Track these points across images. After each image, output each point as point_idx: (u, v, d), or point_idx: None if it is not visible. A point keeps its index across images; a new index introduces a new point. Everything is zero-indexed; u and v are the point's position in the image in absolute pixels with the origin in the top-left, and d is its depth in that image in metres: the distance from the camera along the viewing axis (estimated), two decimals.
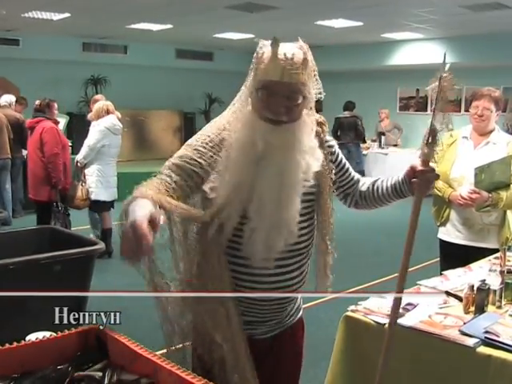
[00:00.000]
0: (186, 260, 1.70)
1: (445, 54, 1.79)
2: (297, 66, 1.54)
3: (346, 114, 10.22)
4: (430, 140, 1.73)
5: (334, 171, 1.79)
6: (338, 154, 1.85)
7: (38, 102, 5.60)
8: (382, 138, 10.89)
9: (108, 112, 5.70)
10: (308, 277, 1.82)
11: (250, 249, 1.64)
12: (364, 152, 10.65)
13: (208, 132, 1.70)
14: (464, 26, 8.80)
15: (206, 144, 1.65)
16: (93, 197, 5.59)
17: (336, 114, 10.25)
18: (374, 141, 11.07)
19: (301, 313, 1.92)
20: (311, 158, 1.66)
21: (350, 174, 1.90)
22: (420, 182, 1.74)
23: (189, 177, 1.62)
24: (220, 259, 1.67)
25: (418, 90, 11.87)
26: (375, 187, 1.89)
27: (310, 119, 1.72)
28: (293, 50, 1.57)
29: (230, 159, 1.62)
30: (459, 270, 2.78)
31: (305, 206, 1.69)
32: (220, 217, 1.63)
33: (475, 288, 2.26)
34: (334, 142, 1.85)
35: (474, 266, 2.85)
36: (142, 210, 1.36)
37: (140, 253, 1.32)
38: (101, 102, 5.82)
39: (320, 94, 1.68)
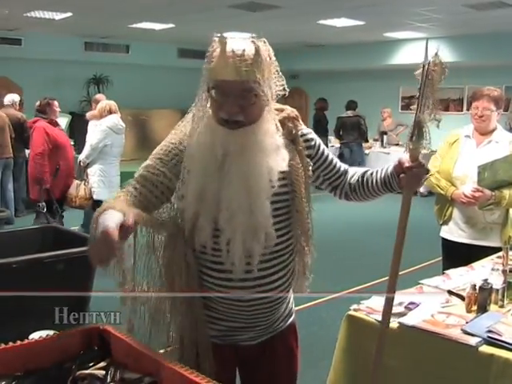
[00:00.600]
0: (151, 270, 1.67)
1: (427, 40, 1.73)
2: (248, 63, 1.43)
3: (349, 113, 10.18)
4: (415, 133, 1.67)
5: (312, 166, 1.70)
6: (318, 147, 1.75)
7: (38, 103, 5.62)
8: (384, 137, 10.87)
9: (110, 111, 5.69)
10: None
11: (230, 260, 1.58)
12: (366, 151, 10.63)
13: (171, 139, 1.65)
14: (467, 25, 8.79)
15: (169, 152, 1.62)
16: (95, 196, 5.58)
17: (338, 112, 10.23)
18: (376, 140, 11.06)
19: (292, 317, 1.86)
20: (276, 158, 1.57)
21: (334, 166, 1.81)
22: (408, 178, 1.68)
23: (154, 187, 1.59)
24: (189, 270, 1.61)
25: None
26: (365, 180, 1.81)
27: (273, 117, 1.61)
28: (243, 45, 1.45)
29: (192, 168, 1.57)
30: (461, 269, 2.78)
31: (278, 206, 1.61)
32: (189, 227, 1.59)
33: (477, 287, 2.26)
34: (312, 135, 1.75)
35: (477, 265, 2.85)
36: (112, 219, 1.38)
37: (109, 258, 1.39)
38: (104, 102, 5.81)
39: (284, 89, 1.58)
